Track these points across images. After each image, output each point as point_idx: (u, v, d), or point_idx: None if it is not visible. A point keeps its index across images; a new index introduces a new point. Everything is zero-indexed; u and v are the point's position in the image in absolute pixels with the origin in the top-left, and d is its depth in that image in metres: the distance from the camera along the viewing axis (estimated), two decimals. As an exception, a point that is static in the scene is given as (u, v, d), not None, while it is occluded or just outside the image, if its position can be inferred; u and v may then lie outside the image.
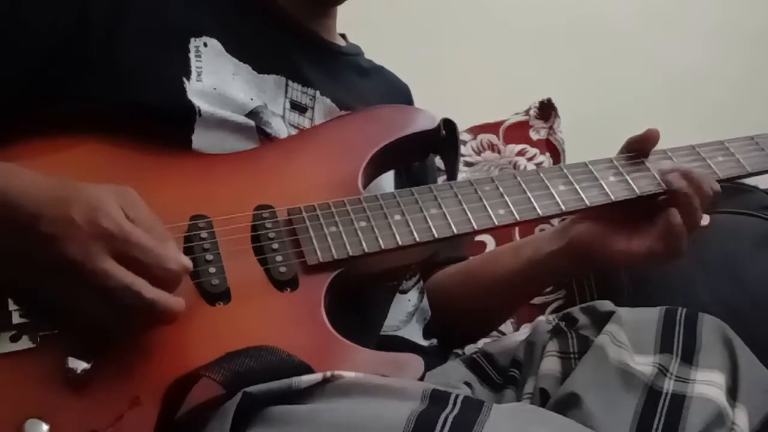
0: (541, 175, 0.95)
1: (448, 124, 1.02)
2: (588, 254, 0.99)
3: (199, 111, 0.91)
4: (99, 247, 0.70)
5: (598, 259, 0.99)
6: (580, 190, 0.95)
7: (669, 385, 0.84)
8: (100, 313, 0.72)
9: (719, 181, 0.99)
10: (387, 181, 1.07)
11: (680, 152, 1.01)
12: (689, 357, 0.86)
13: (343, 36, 1.19)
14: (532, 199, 0.93)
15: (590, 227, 0.98)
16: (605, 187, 0.96)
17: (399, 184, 1.09)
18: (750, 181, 1.45)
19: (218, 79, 0.95)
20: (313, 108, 1.03)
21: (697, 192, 0.94)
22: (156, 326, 0.74)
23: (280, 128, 0.98)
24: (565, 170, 0.97)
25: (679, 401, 0.82)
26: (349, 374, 0.70)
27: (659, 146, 1.01)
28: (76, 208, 0.71)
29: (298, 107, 1.02)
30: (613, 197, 0.95)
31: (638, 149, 1.00)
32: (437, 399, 0.64)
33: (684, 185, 0.94)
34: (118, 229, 0.72)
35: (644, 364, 0.86)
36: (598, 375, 0.85)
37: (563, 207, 0.93)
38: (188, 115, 0.91)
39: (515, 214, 0.91)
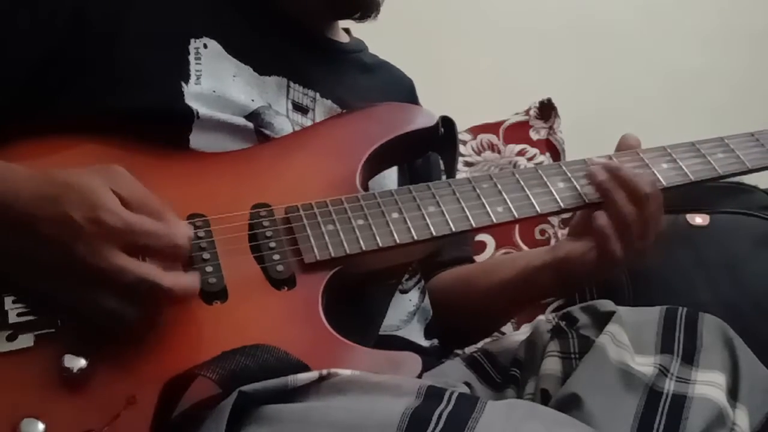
0: (540, 172, 0.95)
1: (447, 122, 1.01)
2: (570, 271, 0.97)
3: (197, 114, 0.91)
4: (108, 244, 0.71)
5: (579, 276, 0.97)
6: (578, 187, 0.94)
7: (670, 386, 0.83)
8: (119, 309, 0.72)
9: (719, 177, 0.98)
10: (390, 178, 1.07)
11: (680, 149, 1.00)
12: (690, 357, 0.86)
13: (347, 31, 1.19)
14: (530, 197, 0.92)
15: (577, 244, 0.96)
16: None
17: (402, 181, 1.09)
18: (750, 180, 1.45)
19: (218, 81, 0.95)
20: (314, 110, 1.03)
21: (624, 188, 0.92)
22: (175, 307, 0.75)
23: (284, 127, 0.98)
24: (563, 167, 0.96)
25: (679, 402, 0.82)
26: (344, 372, 0.69)
27: (660, 143, 1.00)
28: (73, 206, 0.71)
29: (300, 108, 1.02)
30: None
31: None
32: (432, 395, 0.64)
33: (602, 179, 0.93)
34: (121, 222, 0.72)
35: (645, 364, 0.86)
36: (599, 376, 0.85)
37: (562, 204, 0.93)
38: (186, 118, 0.91)
39: (513, 211, 0.91)
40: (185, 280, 0.75)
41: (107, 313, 0.72)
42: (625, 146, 1.00)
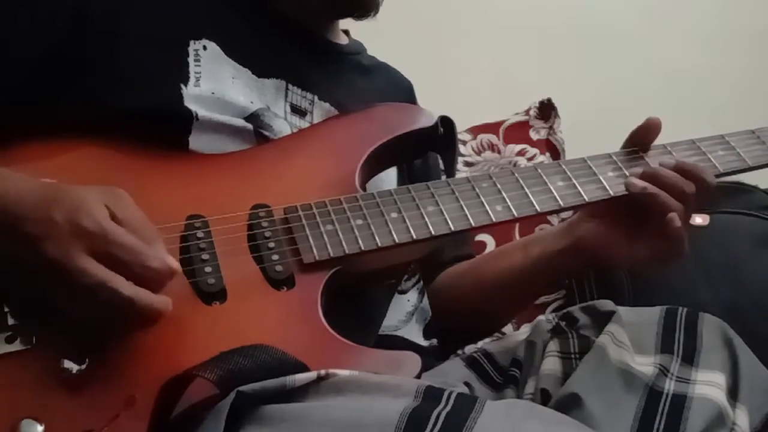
0: (539, 171, 0.95)
1: (446, 122, 1.01)
2: (594, 256, 0.99)
3: (196, 116, 0.91)
4: (77, 245, 0.70)
5: (603, 261, 0.99)
6: (578, 186, 0.94)
7: (670, 386, 0.83)
8: (82, 312, 0.71)
9: (719, 175, 0.98)
10: (389, 178, 1.06)
11: (680, 146, 1.00)
12: (690, 357, 0.86)
13: (346, 32, 1.19)
14: (529, 195, 0.92)
15: (596, 228, 0.97)
16: (603, 182, 0.95)
17: (401, 182, 1.09)
18: (750, 180, 1.45)
19: (217, 83, 0.95)
20: (312, 112, 1.03)
21: (672, 190, 0.92)
22: (141, 324, 0.73)
23: (283, 129, 0.98)
24: (563, 166, 0.96)
25: (679, 402, 0.82)
26: (343, 372, 0.69)
27: (659, 141, 1.00)
28: (59, 209, 0.71)
29: (298, 111, 1.02)
30: (611, 192, 0.94)
31: (640, 141, 0.99)
32: (431, 395, 0.64)
33: (641, 186, 0.93)
34: (97, 227, 0.71)
35: (645, 364, 0.86)
36: (599, 375, 0.85)
37: (561, 203, 0.93)
38: (185, 120, 0.91)
39: (513, 210, 0.91)
40: (150, 297, 0.71)
41: (76, 317, 0.72)
42: (644, 129, 0.99)
